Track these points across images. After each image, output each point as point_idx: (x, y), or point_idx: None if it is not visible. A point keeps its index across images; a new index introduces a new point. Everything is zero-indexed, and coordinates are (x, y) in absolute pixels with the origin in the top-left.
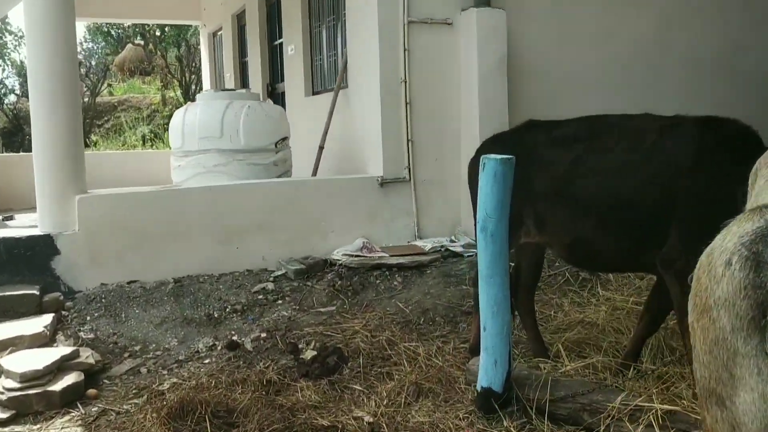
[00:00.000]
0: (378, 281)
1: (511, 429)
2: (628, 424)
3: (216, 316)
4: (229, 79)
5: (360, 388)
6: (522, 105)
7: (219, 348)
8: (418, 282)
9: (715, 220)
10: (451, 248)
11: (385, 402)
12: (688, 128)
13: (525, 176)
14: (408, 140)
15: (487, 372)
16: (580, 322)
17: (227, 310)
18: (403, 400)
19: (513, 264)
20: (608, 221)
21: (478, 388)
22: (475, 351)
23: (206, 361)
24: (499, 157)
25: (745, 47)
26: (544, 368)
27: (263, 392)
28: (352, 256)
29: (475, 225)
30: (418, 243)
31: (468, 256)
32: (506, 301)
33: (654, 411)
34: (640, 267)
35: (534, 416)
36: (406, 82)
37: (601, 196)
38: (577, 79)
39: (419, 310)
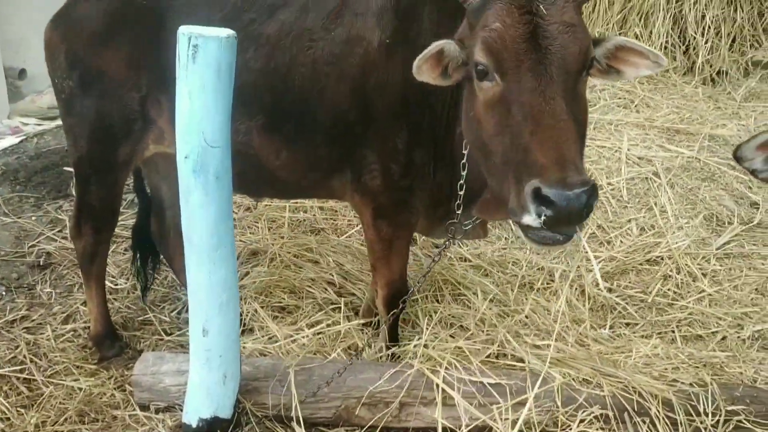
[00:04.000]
0: None
1: None
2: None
3: None
4: None
5: None
6: None
7: None
8: None
9: (423, 132)
10: None
11: None
12: None
13: (155, 45)
14: None
15: (210, 394)
16: (254, 254)
17: None
18: None
19: (143, 193)
20: (281, 122)
21: (192, 421)
22: (102, 340)
23: None
24: (222, 34)
25: None
26: (257, 350)
27: None
28: None
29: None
30: None
31: (20, 139)
32: (236, 281)
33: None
34: (332, 194)
35: (284, 429)
36: None
37: (266, 84)
38: None
39: None
